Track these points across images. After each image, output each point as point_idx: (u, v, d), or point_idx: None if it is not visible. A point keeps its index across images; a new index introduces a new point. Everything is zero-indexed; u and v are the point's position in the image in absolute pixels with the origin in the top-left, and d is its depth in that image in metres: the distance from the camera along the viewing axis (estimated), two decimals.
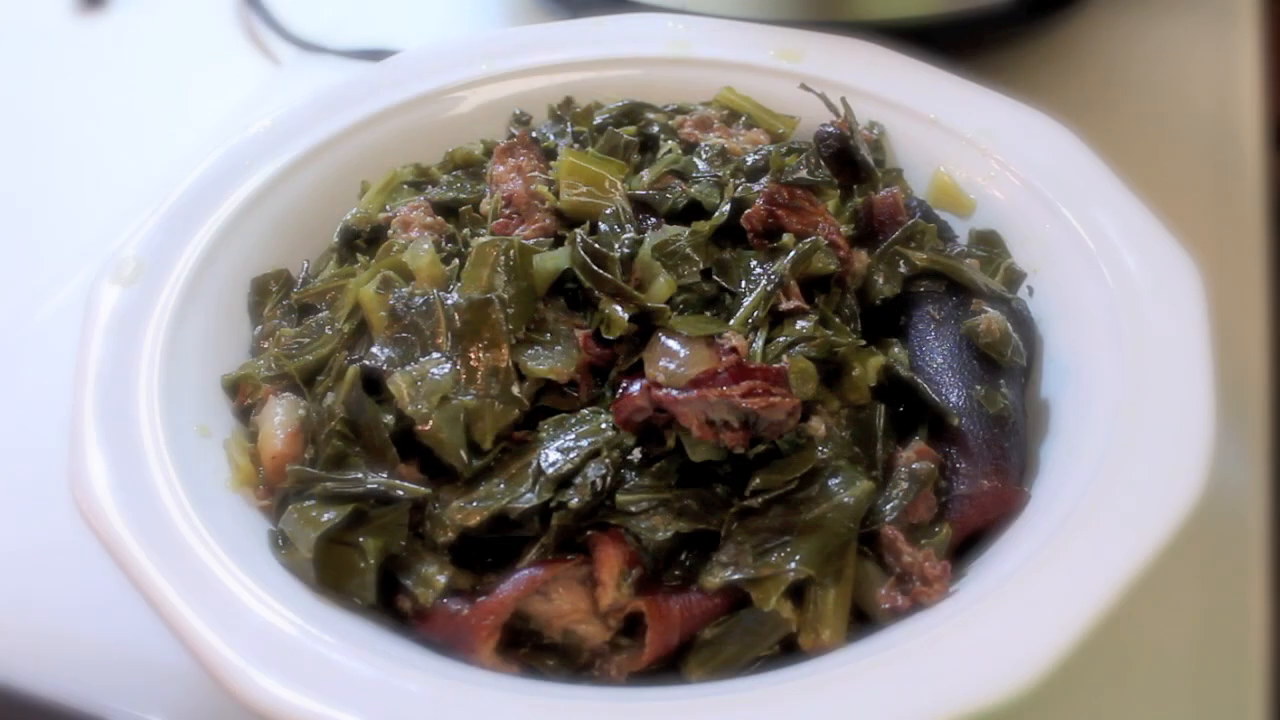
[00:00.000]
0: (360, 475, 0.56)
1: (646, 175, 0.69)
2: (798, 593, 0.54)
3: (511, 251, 0.61)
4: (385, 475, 0.56)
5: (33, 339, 0.82)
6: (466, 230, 0.69)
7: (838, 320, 0.62)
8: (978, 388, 0.61)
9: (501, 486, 0.55)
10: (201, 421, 0.61)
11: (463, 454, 0.56)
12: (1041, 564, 0.51)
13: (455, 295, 0.60)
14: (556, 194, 0.67)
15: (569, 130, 0.77)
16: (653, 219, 0.66)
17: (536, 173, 0.69)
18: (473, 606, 0.53)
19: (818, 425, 0.57)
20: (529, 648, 0.55)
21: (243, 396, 0.64)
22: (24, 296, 0.85)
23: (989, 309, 0.64)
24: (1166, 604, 0.62)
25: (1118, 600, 0.49)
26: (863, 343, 0.62)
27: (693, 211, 0.66)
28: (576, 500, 0.54)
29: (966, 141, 0.73)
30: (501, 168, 0.71)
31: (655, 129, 0.75)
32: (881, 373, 0.61)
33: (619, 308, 0.59)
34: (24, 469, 0.70)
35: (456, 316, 0.59)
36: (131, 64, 1.14)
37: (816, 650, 0.53)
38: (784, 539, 0.54)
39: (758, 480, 0.55)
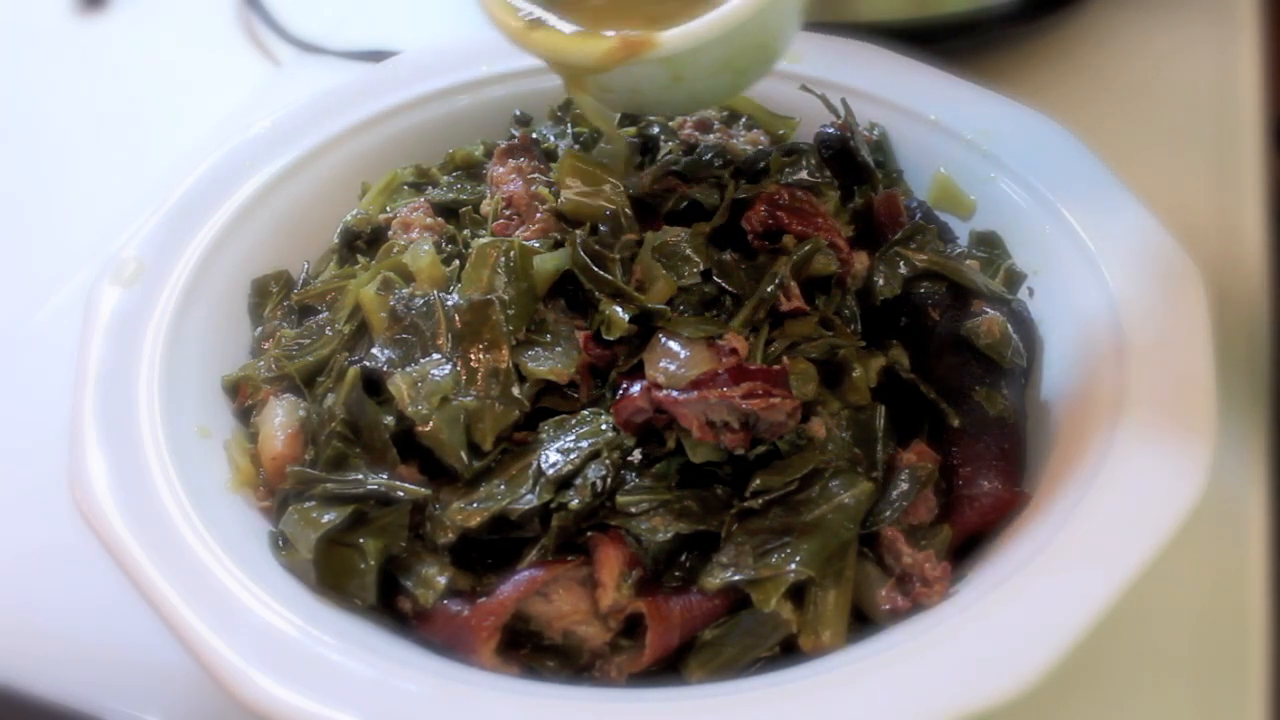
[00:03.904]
0: (360, 476, 0.56)
1: (647, 176, 0.69)
2: (798, 594, 0.54)
3: (512, 252, 0.61)
4: (385, 476, 0.56)
5: (33, 339, 0.81)
6: (467, 231, 0.70)
7: (838, 321, 0.62)
8: (978, 389, 0.61)
9: (502, 487, 0.56)
10: (202, 422, 0.61)
11: (463, 455, 0.56)
12: (1041, 565, 0.51)
13: (455, 296, 0.60)
14: (557, 195, 0.67)
15: (569, 131, 0.77)
16: (653, 220, 0.66)
17: (537, 174, 0.70)
18: (473, 607, 0.53)
19: (818, 426, 0.57)
20: (529, 649, 0.55)
21: (243, 397, 0.64)
22: (24, 296, 0.85)
23: (989, 310, 0.64)
24: (1166, 604, 0.62)
25: (1118, 600, 0.49)
26: (863, 344, 0.62)
27: (693, 212, 0.66)
28: (577, 501, 0.54)
29: (967, 142, 0.73)
30: (502, 169, 0.71)
31: (655, 130, 0.75)
32: (882, 374, 0.61)
33: (619, 309, 0.60)
34: (24, 469, 0.70)
35: (457, 317, 0.59)
36: (131, 64, 1.14)
37: (817, 651, 0.53)
38: (784, 540, 0.54)
39: (758, 481, 0.55)
